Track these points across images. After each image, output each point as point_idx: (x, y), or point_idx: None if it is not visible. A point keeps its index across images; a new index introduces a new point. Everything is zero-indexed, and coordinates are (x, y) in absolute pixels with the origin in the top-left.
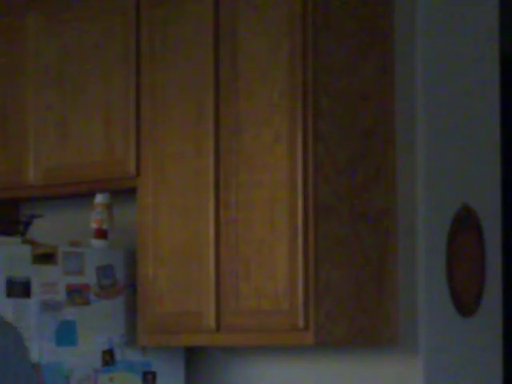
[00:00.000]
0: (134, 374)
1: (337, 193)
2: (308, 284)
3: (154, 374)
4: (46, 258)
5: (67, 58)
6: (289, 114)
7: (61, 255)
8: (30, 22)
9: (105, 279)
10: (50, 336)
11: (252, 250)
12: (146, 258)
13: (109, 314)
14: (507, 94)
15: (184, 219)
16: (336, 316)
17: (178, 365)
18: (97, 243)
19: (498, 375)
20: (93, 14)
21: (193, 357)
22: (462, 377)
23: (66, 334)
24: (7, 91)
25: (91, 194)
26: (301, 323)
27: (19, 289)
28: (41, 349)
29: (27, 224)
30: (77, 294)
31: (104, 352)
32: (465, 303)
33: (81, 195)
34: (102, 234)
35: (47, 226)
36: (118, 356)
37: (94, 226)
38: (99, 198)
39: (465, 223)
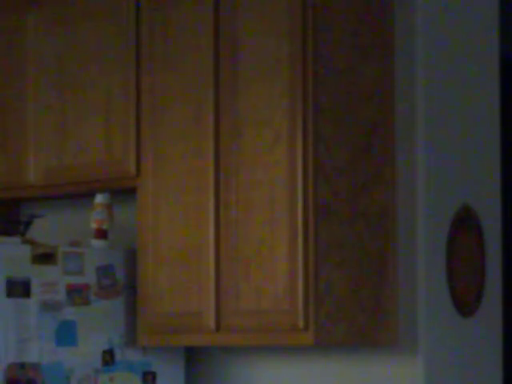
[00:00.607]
0: (134, 374)
1: (337, 193)
2: (308, 284)
3: (154, 374)
4: (46, 257)
5: (67, 58)
6: (289, 114)
7: (61, 255)
8: (30, 22)
9: (105, 279)
10: (50, 336)
11: (252, 250)
12: (146, 258)
13: (109, 314)
14: (507, 94)
15: (184, 219)
16: (336, 316)
17: (178, 365)
18: (97, 243)
19: (498, 375)
20: (93, 14)
21: (193, 357)
22: (462, 377)
23: (65, 334)
24: (7, 91)
25: (91, 194)
26: (301, 323)
27: (19, 289)
28: (41, 349)
29: (27, 224)
30: (77, 294)
31: (104, 352)
32: (465, 303)
33: (81, 195)
34: (102, 234)
35: (47, 226)
36: (118, 356)
37: (94, 226)
38: (99, 198)
39: (465, 223)
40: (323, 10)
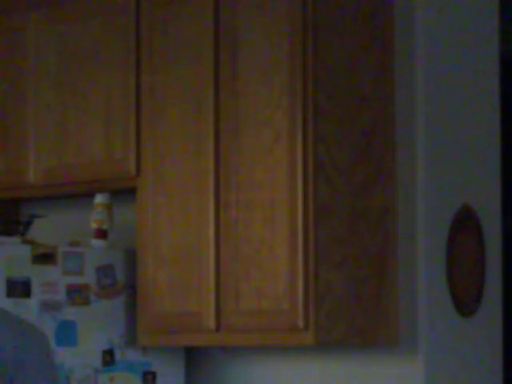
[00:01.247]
0: (134, 374)
1: (337, 193)
2: (308, 284)
3: (154, 374)
4: (45, 257)
5: (67, 58)
6: (289, 113)
7: (61, 255)
8: (31, 22)
9: (105, 279)
10: (50, 336)
11: (252, 250)
12: (146, 258)
13: (109, 314)
14: (507, 94)
15: (184, 219)
16: (336, 316)
17: (178, 365)
18: (97, 243)
19: (498, 375)
20: (93, 14)
21: (193, 357)
22: (462, 377)
23: (66, 334)
24: (7, 91)
25: (91, 194)
26: (301, 323)
27: (19, 289)
28: None
29: (27, 224)
30: (77, 294)
31: (104, 352)
32: (465, 303)
33: (81, 195)
34: (102, 234)
35: (47, 226)
36: (118, 356)
37: (94, 226)
38: (99, 198)
39: (465, 223)
40: (323, 10)
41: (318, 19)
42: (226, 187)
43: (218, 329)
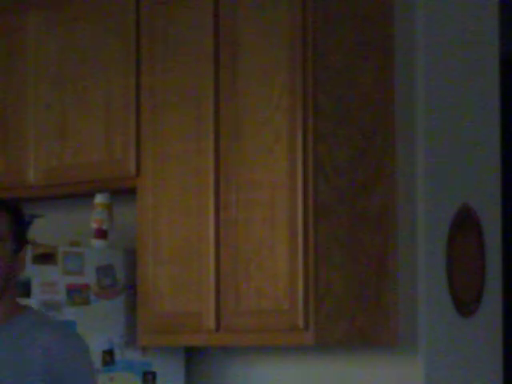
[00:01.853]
0: (134, 374)
1: (337, 193)
2: (308, 284)
3: (154, 374)
4: (45, 258)
5: (67, 58)
6: (289, 113)
7: (61, 255)
8: (30, 21)
9: (105, 279)
10: None
11: (252, 250)
12: (146, 258)
13: (109, 314)
14: (507, 95)
15: (184, 219)
16: (336, 316)
17: (178, 365)
18: (97, 243)
19: (498, 375)
20: (93, 14)
21: (193, 357)
22: (462, 377)
23: None
24: (7, 91)
25: (91, 194)
26: (301, 323)
27: (19, 289)
28: None
29: (27, 224)
30: (77, 294)
31: (104, 352)
32: (465, 303)
33: (81, 195)
34: (102, 234)
35: (47, 226)
36: (118, 356)
37: (94, 226)
38: (99, 198)
39: (465, 223)
40: (323, 11)
41: (317, 19)
42: (226, 187)
43: (218, 329)
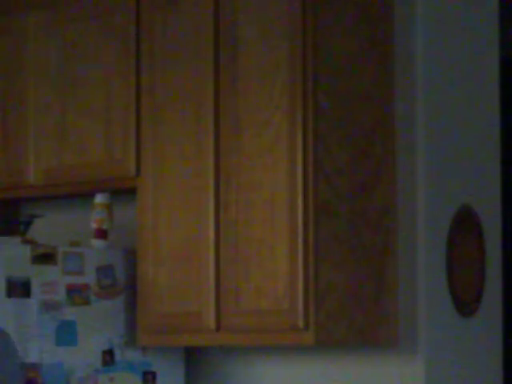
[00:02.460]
0: (134, 374)
1: (337, 193)
2: (308, 284)
3: (153, 374)
4: (45, 258)
5: (67, 58)
6: (289, 113)
7: (61, 255)
8: (30, 21)
9: (105, 279)
10: (50, 336)
11: (252, 250)
12: (146, 258)
13: (109, 314)
14: (507, 94)
15: (184, 219)
16: (336, 316)
17: (177, 365)
18: (97, 243)
19: (498, 375)
20: (93, 14)
21: (193, 357)
22: (462, 377)
23: (65, 334)
24: (7, 91)
25: (91, 194)
26: (301, 323)
27: (19, 289)
28: (41, 349)
29: (27, 224)
30: (77, 294)
31: (104, 352)
32: (465, 303)
33: (81, 195)
34: (102, 234)
35: (47, 226)
36: (118, 356)
37: (94, 226)
38: (99, 198)
39: (465, 223)
40: (323, 11)
41: (318, 19)
42: (226, 187)
43: (218, 329)
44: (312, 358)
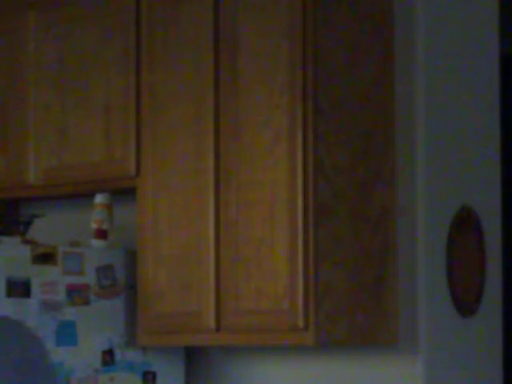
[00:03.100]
0: (134, 373)
1: (337, 193)
2: (308, 284)
3: (154, 374)
4: (46, 257)
5: (67, 58)
6: (289, 113)
7: (61, 255)
8: (31, 22)
9: (105, 279)
10: (50, 336)
11: (252, 250)
12: (146, 258)
13: (109, 314)
14: (507, 94)
15: (184, 219)
16: (336, 316)
17: (177, 365)
18: (97, 243)
19: (498, 375)
20: (93, 14)
21: (193, 357)
22: (462, 377)
23: (65, 334)
24: (7, 91)
25: (91, 194)
26: (301, 323)
27: (19, 289)
28: None
29: (27, 224)
30: (77, 294)
31: (104, 352)
32: (465, 303)
33: (81, 195)
34: (102, 234)
35: (47, 226)
36: (118, 356)
37: (94, 226)
38: (99, 198)
39: (465, 223)
40: (323, 10)
41: (317, 19)
42: (226, 187)
43: (218, 329)
44: (312, 358)
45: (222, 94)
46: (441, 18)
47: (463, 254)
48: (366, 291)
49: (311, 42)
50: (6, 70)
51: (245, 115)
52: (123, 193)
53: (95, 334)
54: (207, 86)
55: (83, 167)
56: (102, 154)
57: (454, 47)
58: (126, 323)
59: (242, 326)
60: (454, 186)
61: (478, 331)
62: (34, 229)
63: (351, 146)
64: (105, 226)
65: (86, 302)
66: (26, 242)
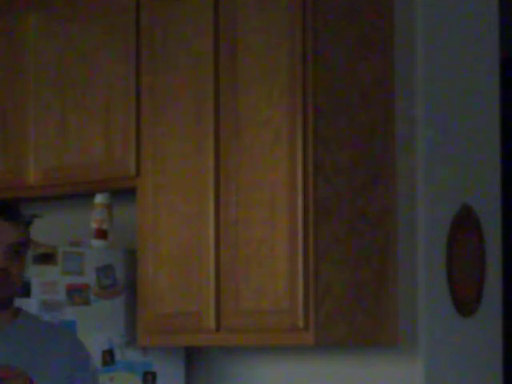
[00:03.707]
0: (134, 374)
1: (337, 193)
2: (308, 284)
3: (154, 374)
4: (46, 257)
5: (67, 58)
6: (289, 113)
7: (61, 255)
8: (30, 21)
9: (105, 279)
10: None
11: (252, 250)
12: (146, 258)
13: (109, 314)
14: (507, 94)
15: (184, 219)
16: (336, 316)
17: (178, 365)
18: (97, 243)
19: (498, 375)
20: (93, 14)
21: (193, 357)
22: (462, 377)
23: None
24: (7, 91)
25: (91, 194)
26: (301, 323)
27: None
28: None
29: (27, 224)
30: (77, 294)
31: (104, 352)
32: (465, 303)
33: (81, 195)
34: (102, 234)
35: (47, 226)
36: (118, 356)
37: (94, 226)
38: (99, 198)
39: (465, 223)
40: (323, 11)
41: (317, 19)
42: (226, 187)
43: (218, 329)
44: (312, 358)
45: (222, 93)
46: (441, 19)
47: (463, 254)
48: (366, 291)
49: (311, 41)
50: (6, 69)
51: (245, 115)
52: (123, 193)
53: (95, 334)
54: (207, 86)
55: (83, 167)
56: (102, 154)
57: (454, 47)
58: (126, 323)
59: (242, 326)
60: (454, 185)
61: (478, 331)
62: (34, 229)
63: (351, 146)
64: (105, 226)
65: (86, 302)
66: None
